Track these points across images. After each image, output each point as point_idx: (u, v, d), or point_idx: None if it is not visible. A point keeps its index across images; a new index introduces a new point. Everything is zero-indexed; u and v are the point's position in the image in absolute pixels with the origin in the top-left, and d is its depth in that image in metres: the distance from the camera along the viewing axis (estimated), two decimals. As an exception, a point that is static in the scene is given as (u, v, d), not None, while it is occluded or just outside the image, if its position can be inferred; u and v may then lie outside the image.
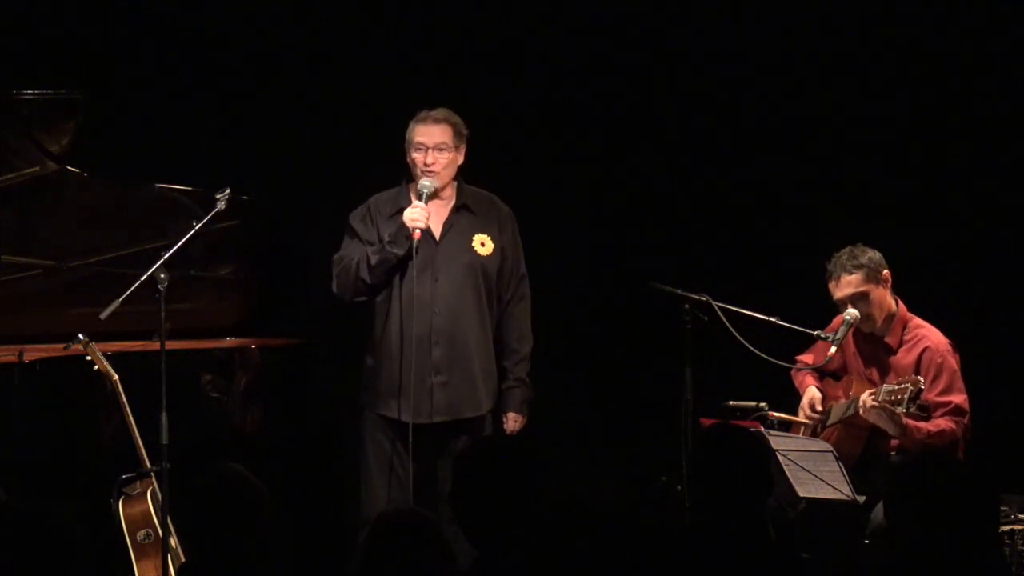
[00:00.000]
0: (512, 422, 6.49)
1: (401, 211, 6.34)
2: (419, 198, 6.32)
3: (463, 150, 6.45)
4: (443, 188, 6.44)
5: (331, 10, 7.54)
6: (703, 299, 6.32)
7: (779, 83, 7.47)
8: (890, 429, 6.12)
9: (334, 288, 6.44)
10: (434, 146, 6.38)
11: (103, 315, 6.10)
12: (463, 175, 6.50)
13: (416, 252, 6.27)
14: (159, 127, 7.27)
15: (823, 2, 7.42)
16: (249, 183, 6.65)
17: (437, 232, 6.44)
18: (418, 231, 6.26)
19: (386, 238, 6.33)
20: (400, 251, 6.29)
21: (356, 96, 7.32)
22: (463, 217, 6.49)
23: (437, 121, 6.41)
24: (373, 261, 6.35)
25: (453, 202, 6.48)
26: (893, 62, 7.37)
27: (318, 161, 7.28)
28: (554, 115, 7.62)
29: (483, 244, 6.47)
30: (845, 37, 7.40)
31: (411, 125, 6.41)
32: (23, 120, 6.20)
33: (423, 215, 6.28)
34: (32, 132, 6.24)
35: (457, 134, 6.42)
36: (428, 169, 6.37)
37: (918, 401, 6.02)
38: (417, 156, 6.39)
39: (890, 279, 6.31)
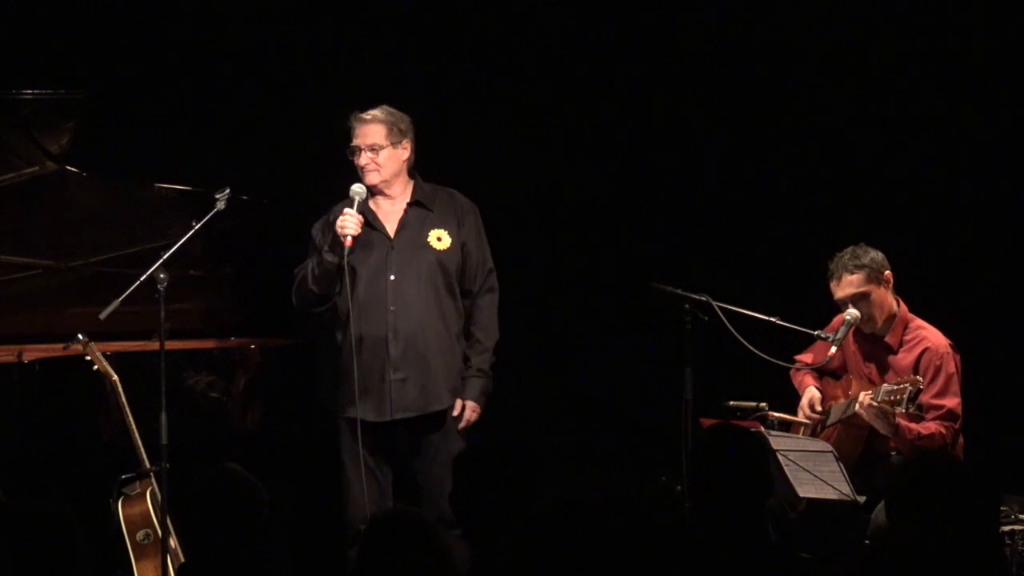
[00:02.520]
0: (470, 411, 6.36)
1: None
2: (351, 205, 6.27)
3: (406, 145, 6.39)
4: (390, 185, 6.40)
5: (331, 10, 7.54)
6: (703, 299, 6.31)
7: (780, 82, 7.47)
8: (882, 428, 6.11)
9: (293, 301, 6.43)
10: (367, 147, 6.35)
11: (103, 315, 6.10)
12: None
13: (347, 259, 6.19)
14: (159, 127, 7.27)
15: (823, 0, 7.42)
16: (249, 183, 6.65)
17: (392, 230, 6.41)
18: (349, 238, 6.21)
19: (324, 247, 6.30)
20: (335, 259, 6.24)
21: (356, 96, 7.31)
22: (417, 213, 6.43)
23: (367, 122, 6.37)
24: (317, 271, 6.31)
25: (408, 199, 6.44)
26: (894, 61, 7.37)
27: (318, 161, 7.27)
28: (554, 115, 7.62)
29: (439, 239, 6.40)
30: (846, 36, 7.39)
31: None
32: (23, 120, 6.20)
33: (352, 221, 6.22)
34: (32, 132, 6.23)
35: (393, 131, 6.36)
36: (364, 170, 6.34)
37: (916, 401, 6.02)
38: (355, 159, 6.37)
39: (892, 280, 6.31)
